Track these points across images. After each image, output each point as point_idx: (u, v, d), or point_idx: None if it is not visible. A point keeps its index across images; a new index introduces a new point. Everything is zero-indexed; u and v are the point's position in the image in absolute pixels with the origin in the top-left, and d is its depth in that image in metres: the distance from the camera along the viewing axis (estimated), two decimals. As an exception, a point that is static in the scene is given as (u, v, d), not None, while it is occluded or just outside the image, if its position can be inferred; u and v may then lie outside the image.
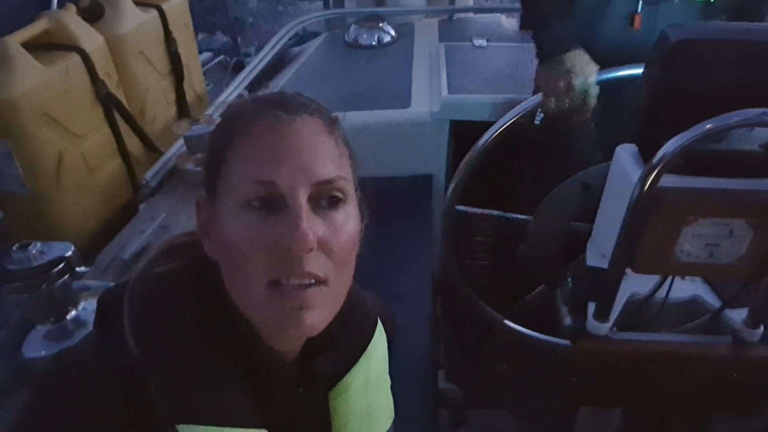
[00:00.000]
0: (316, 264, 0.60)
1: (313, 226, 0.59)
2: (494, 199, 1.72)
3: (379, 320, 0.85)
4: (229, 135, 0.63)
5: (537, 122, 1.76)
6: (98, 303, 0.72)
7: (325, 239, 0.61)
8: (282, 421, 0.71)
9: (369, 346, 0.81)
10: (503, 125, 1.43)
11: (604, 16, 1.45)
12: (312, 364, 0.74)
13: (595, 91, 1.37)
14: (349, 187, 0.65)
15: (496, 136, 1.43)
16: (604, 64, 1.40)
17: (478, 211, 1.48)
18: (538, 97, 1.46)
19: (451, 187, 1.48)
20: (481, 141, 1.43)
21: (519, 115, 1.43)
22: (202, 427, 0.62)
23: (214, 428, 0.63)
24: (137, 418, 0.61)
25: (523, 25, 1.51)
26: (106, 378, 0.62)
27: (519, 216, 1.46)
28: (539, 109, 1.72)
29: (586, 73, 1.36)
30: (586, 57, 1.38)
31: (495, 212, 1.50)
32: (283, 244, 0.58)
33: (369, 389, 0.81)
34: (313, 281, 0.61)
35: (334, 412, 0.79)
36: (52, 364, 0.71)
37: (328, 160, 0.62)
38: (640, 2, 1.43)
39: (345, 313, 0.69)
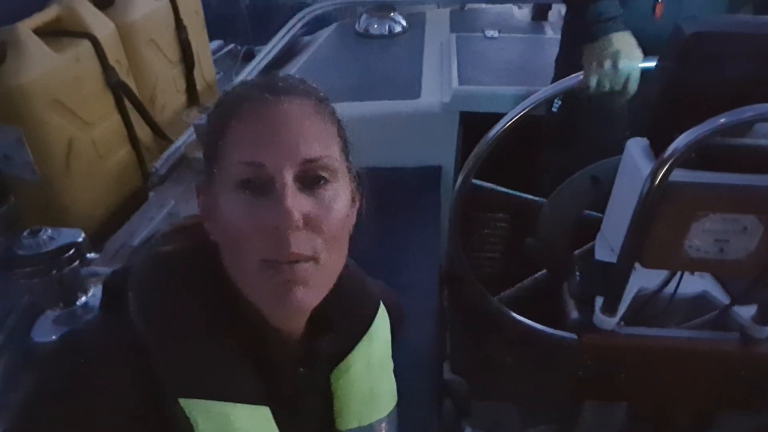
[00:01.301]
0: (303, 243, 0.62)
1: (298, 204, 0.61)
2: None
3: (382, 304, 0.85)
4: (222, 119, 0.65)
5: (554, 110, 1.75)
6: (104, 284, 0.74)
7: (313, 216, 0.62)
8: (284, 399, 0.72)
9: (371, 328, 0.82)
10: (514, 117, 1.42)
11: (629, 4, 1.43)
12: (314, 345, 0.75)
13: (637, 76, 1.35)
14: (338, 165, 0.66)
15: (506, 127, 1.42)
16: None
17: (495, 187, 1.47)
18: (551, 88, 1.44)
19: (460, 178, 1.47)
20: (491, 133, 1.43)
21: (530, 107, 1.42)
22: (205, 401, 0.64)
23: (217, 402, 0.64)
24: (143, 394, 0.62)
25: (570, 3, 1.47)
26: (113, 357, 0.64)
27: (534, 198, 1.45)
28: (557, 97, 1.71)
29: (633, 57, 1.35)
30: (634, 41, 1.36)
31: (510, 191, 1.48)
32: (270, 223, 0.60)
33: (371, 371, 0.82)
34: (302, 260, 0.62)
35: (337, 393, 0.80)
36: (59, 343, 0.72)
37: (314, 140, 0.64)
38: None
39: (346, 295, 0.71)
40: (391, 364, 0.87)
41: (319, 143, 0.64)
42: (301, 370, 0.75)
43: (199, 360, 0.64)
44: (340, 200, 0.65)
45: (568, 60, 1.67)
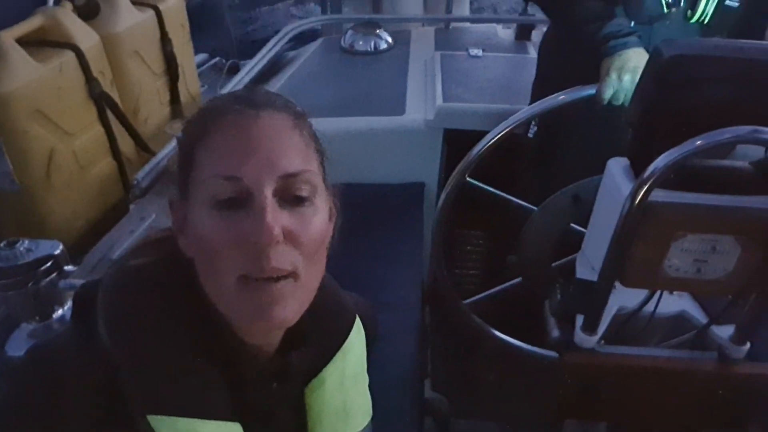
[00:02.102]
0: (283, 258, 0.61)
1: (279, 218, 0.60)
2: (485, 207, 1.72)
3: (357, 319, 0.85)
4: (198, 132, 0.64)
5: (530, 135, 1.77)
6: (74, 297, 0.73)
7: (293, 231, 0.62)
8: (256, 415, 0.72)
9: (345, 343, 0.82)
10: (496, 135, 1.43)
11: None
12: (287, 359, 0.74)
13: None
14: (317, 180, 0.66)
15: (489, 145, 1.43)
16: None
17: (486, 187, 1.47)
18: (533, 107, 1.46)
19: (443, 195, 1.48)
20: (474, 150, 1.43)
21: (512, 126, 1.43)
22: (172, 418, 0.63)
23: (185, 420, 0.63)
24: (111, 410, 0.61)
25: (577, 24, 1.48)
26: (80, 370, 0.63)
27: (526, 204, 1.46)
28: (533, 122, 1.73)
29: None
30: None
31: (501, 193, 1.48)
32: (250, 238, 0.59)
33: (345, 386, 0.81)
34: (281, 275, 0.61)
35: (310, 408, 0.79)
36: (27, 357, 0.70)
37: (294, 154, 0.63)
38: (632, 23, 1.44)
39: (321, 310, 0.70)
40: (366, 379, 0.86)
41: (300, 158, 0.63)
42: (274, 385, 0.74)
43: (165, 376, 0.63)
44: (319, 215, 0.65)
45: (546, 83, 1.69)
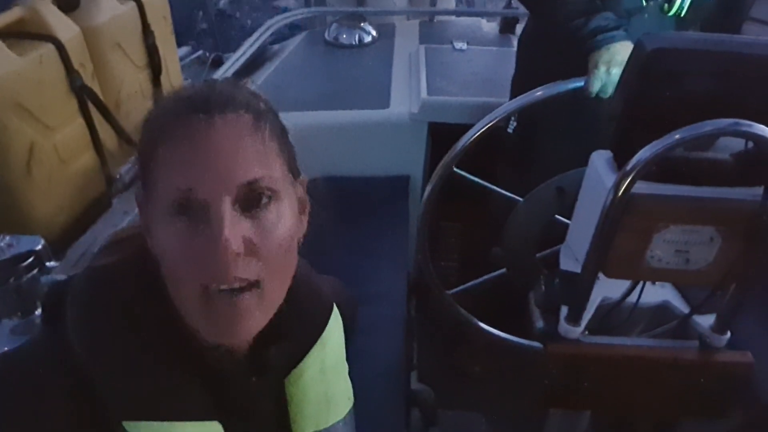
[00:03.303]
0: (244, 268, 0.59)
1: (238, 230, 0.58)
2: (470, 200, 1.73)
3: (335, 306, 0.84)
4: (151, 138, 0.62)
5: (510, 130, 1.78)
6: (46, 296, 0.72)
7: (254, 241, 0.60)
8: (236, 411, 0.71)
9: (324, 333, 0.81)
10: (481, 129, 1.43)
11: None
12: (263, 354, 0.73)
13: None
14: (279, 184, 0.63)
15: (475, 138, 1.44)
16: (583, 73, 1.42)
17: (474, 179, 1.47)
18: (520, 100, 1.46)
19: (428, 188, 1.48)
20: (459, 144, 1.44)
21: (497, 119, 1.44)
22: (149, 423, 0.62)
23: (162, 423, 0.62)
24: (86, 417, 0.60)
25: (562, 20, 1.48)
26: (52, 377, 0.61)
27: (511, 195, 1.46)
28: (512, 117, 1.74)
29: None
30: None
31: (489, 185, 1.49)
32: (207, 252, 0.57)
33: (326, 375, 0.81)
34: (244, 284, 0.60)
35: (291, 399, 0.79)
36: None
37: (252, 161, 0.60)
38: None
39: (298, 301, 0.69)
40: (346, 367, 0.86)
41: (258, 163, 0.61)
42: (253, 380, 0.73)
43: (138, 380, 0.62)
44: (284, 221, 0.63)
45: (526, 78, 1.70)
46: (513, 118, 1.77)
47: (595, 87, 1.40)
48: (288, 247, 0.64)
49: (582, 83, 1.41)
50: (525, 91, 1.46)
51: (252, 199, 0.60)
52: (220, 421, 0.68)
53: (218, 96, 0.62)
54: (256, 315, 0.62)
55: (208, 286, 0.59)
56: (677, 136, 0.99)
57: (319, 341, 0.80)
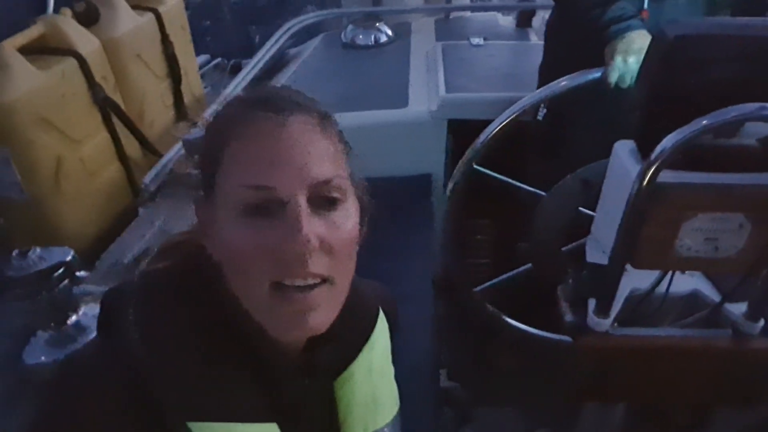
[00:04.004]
0: (318, 263, 0.60)
1: (313, 227, 0.59)
2: (494, 195, 1.72)
3: (381, 310, 0.85)
4: (222, 138, 0.62)
5: (540, 117, 1.77)
6: (101, 304, 0.72)
7: (326, 238, 0.61)
8: (289, 412, 0.71)
9: (371, 335, 0.82)
10: (501, 123, 1.43)
11: None
12: (316, 355, 0.74)
13: None
14: (346, 183, 0.64)
15: (494, 134, 1.43)
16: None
17: (494, 174, 1.47)
18: (538, 93, 1.45)
19: (450, 185, 1.48)
20: (480, 139, 1.43)
21: (517, 113, 1.43)
22: (213, 424, 0.63)
23: (225, 425, 0.63)
24: (148, 419, 0.61)
25: (581, 10, 1.48)
26: (115, 380, 0.62)
27: (532, 189, 1.45)
28: (542, 105, 1.73)
29: None
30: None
31: (509, 180, 1.48)
32: (285, 248, 0.58)
33: (373, 377, 0.81)
34: (317, 281, 0.61)
35: (339, 401, 0.79)
36: (57, 371, 0.70)
37: (324, 160, 0.62)
38: (645, 2, 1.44)
39: (347, 305, 0.69)
40: (392, 369, 0.86)
41: (330, 163, 0.62)
42: (306, 381, 0.74)
43: (202, 382, 0.63)
44: (351, 219, 0.64)
45: (553, 66, 1.69)
46: (543, 106, 1.75)
47: (613, 77, 1.38)
48: (353, 244, 0.66)
49: (600, 74, 1.40)
50: (553, 80, 1.45)
51: (323, 198, 0.62)
52: (277, 423, 0.68)
53: (285, 97, 0.64)
54: (327, 309, 0.63)
55: (282, 281, 0.60)
56: (703, 123, 0.98)
57: (367, 344, 0.81)
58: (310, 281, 0.61)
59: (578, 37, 1.52)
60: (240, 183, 0.60)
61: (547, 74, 1.70)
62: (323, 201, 0.62)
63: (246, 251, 0.60)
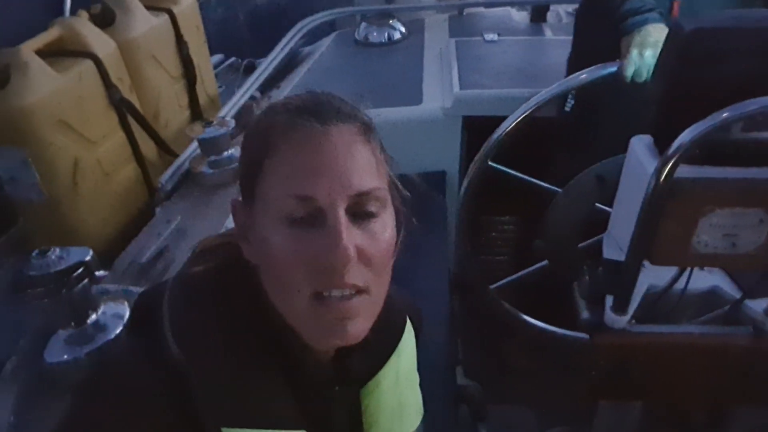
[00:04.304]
0: (356, 275, 0.61)
1: (352, 238, 0.59)
2: (510, 192, 1.71)
3: (407, 318, 0.85)
4: (265, 145, 0.62)
5: (567, 109, 1.75)
6: (135, 305, 0.73)
7: (364, 250, 0.61)
8: (319, 419, 0.72)
9: (400, 343, 0.82)
10: (517, 119, 1.42)
11: None
12: (347, 363, 0.74)
13: None
14: (386, 195, 0.65)
15: (510, 129, 1.42)
16: None
17: (509, 171, 1.46)
18: (554, 88, 1.44)
19: (465, 182, 1.47)
20: (494, 136, 1.43)
21: (533, 108, 1.42)
22: (244, 431, 0.63)
23: (258, 431, 0.64)
24: (183, 421, 0.61)
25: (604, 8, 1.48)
26: (150, 382, 0.62)
27: (547, 185, 1.44)
28: (570, 95, 1.71)
29: None
30: None
31: (524, 176, 1.47)
32: (324, 259, 0.59)
33: (399, 385, 0.82)
34: (354, 291, 0.61)
35: (366, 409, 0.79)
36: (90, 370, 0.71)
37: (365, 171, 0.62)
38: None
39: (378, 314, 0.70)
40: (417, 378, 0.87)
41: (370, 174, 0.62)
42: (336, 388, 0.75)
43: (237, 387, 0.63)
44: (388, 230, 0.64)
45: (582, 57, 1.67)
46: (570, 97, 1.73)
47: (629, 71, 1.36)
48: (390, 256, 0.66)
49: (616, 68, 1.38)
50: (580, 68, 1.43)
51: (362, 209, 0.62)
52: (305, 430, 0.68)
53: (329, 106, 0.64)
54: (365, 319, 0.64)
55: (320, 292, 0.61)
56: (723, 116, 0.96)
57: (395, 352, 0.81)
58: (347, 292, 0.61)
59: (606, 27, 1.50)
60: (281, 192, 0.60)
61: (575, 65, 1.68)
62: (362, 212, 0.62)
63: (286, 260, 0.60)
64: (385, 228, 0.64)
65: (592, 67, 1.40)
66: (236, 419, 0.63)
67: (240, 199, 0.67)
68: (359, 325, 0.63)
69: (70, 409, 0.64)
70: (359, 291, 0.62)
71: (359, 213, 0.62)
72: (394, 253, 0.67)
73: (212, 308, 0.66)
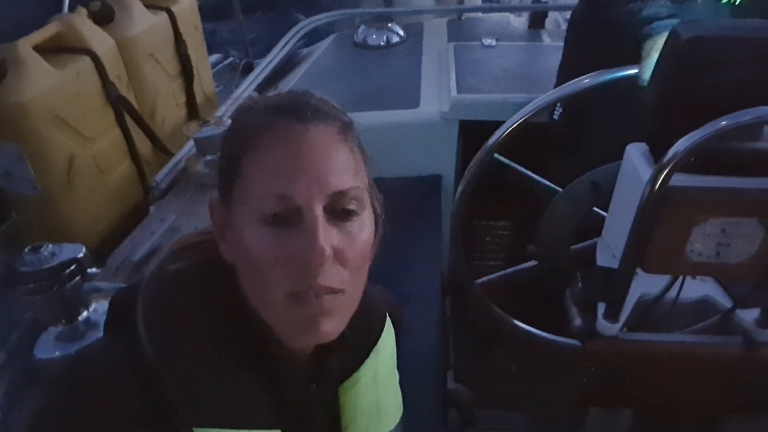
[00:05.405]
0: (331, 276, 0.60)
1: (328, 238, 0.59)
2: (504, 197, 1.71)
3: (388, 316, 0.85)
4: (243, 144, 0.62)
5: (555, 117, 1.75)
6: (111, 303, 0.73)
7: (340, 250, 0.61)
8: (295, 418, 0.72)
9: (378, 342, 0.82)
10: (513, 125, 1.42)
11: None
12: (324, 361, 0.74)
13: None
14: (364, 195, 0.64)
15: (505, 135, 1.42)
16: (634, 61, 1.39)
17: (515, 166, 1.45)
18: (555, 92, 1.44)
19: (461, 187, 1.47)
20: (491, 141, 1.43)
21: (531, 113, 1.42)
22: (219, 431, 0.62)
23: (232, 431, 0.63)
24: (155, 420, 0.61)
25: (617, 4, 1.46)
26: (122, 380, 0.62)
27: (549, 184, 1.44)
28: (558, 104, 1.71)
29: None
30: None
31: (528, 172, 1.46)
32: (301, 258, 0.59)
33: (378, 384, 0.81)
34: (330, 292, 0.61)
35: (344, 407, 0.79)
36: (66, 366, 0.70)
37: (343, 170, 0.62)
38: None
39: (356, 311, 0.69)
40: (397, 376, 0.86)
41: (349, 173, 0.62)
42: (313, 387, 0.74)
43: (211, 386, 0.63)
44: (366, 230, 0.64)
45: (575, 65, 1.67)
46: (558, 105, 1.74)
47: (648, 75, 1.36)
48: (367, 256, 0.65)
49: (634, 71, 1.37)
50: (573, 76, 1.43)
51: (339, 208, 0.62)
52: (281, 429, 0.68)
53: (308, 105, 0.63)
54: (338, 318, 0.64)
55: (295, 291, 0.60)
56: (719, 125, 0.97)
57: (374, 350, 0.81)
58: (323, 293, 0.61)
59: (602, 34, 1.50)
60: (259, 191, 0.60)
61: (566, 74, 1.69)
62: (339, 211, 0.62)
63: (263, 259, 0.60)
64: (362, 228, 0.63)
65: (605, 70, 1.39)
66: (209, 419, 0.62)
67: (218, 197, 0.67)
68: (333, 324, 0.63)
69: (43, 404, 0.64)
70: (334, 291, 0.61)
71: (336, 212, 0.61)
72: (371, 254, 0.67)
73: (187, 306, 0.65)
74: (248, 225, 0.61)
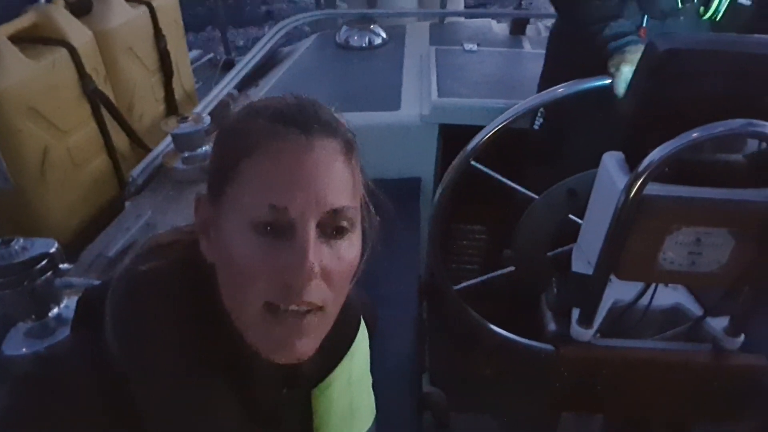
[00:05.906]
0: (315, 293, 0.60)
1: (318, 256, 0.59)
2: (482, 202, 1.72)
3: (362, 319, 0.85)
4: (244, 147, 0.61)
5: (536, 127, 1.77)
6: (79, 301, 0.71)
7: (328, 268, 0.60)
8: (266, 421, 0.71)
9: (352, 345, 0.81)
10: (491, 131, 1.43)
11: None
12: (296, 366, 0.72)
13: None
14: (356, 215, 0.64)
15: (485, 140, 1.43)
16: (604, 71, 1.41)
17: (491, 172, 1.46)
18: (534, 99, 1.45)
19: (439, 190, 1.48)
20: (470, 145, 1.43)
21: (510, 119, 1.43)
22: None
23: None
24: (121, 422, 0.60)
25: (582, 22, 1.48)
26: (87, 380, 0.61)
27: (525, 191, 1.45)
28: (539, 114, 1.72)
29: None
30: None
31: (504, 179, 1.47)
32: (287, 273, 0.58)
33: (351, 387, 0.81)
34: (311, 308, 0.60)
35: (316, 410, 0.79)
36: (30, 365, 0.69)
37: (342, 189, 0.61)
38: (645, 17, 1.44)
39: None
40: (370, 379, 0.86)
41: (347, 192, 0.62)
42: (284, 391, 0.74)
43: (179, 390, 0.62)
44: (354, 250, 0.64)
45: (554, 74, 1.69)
46: (539, 115, 1.75)
47: (622, 88, 1.38)
48: (351, 276, 0.65)
49: (605, 81, 1.39)
50: (551, 86, 1.44)
51: (332, 226, 0.61)
52: (250, 431, 0.68)
53: (313, 115, 0.62)
54: (314, 338, 0.63)
55: (273, 303, 0.60)
56: (691, 137, 0.98)
57: (348, 354, 0.81)
58: (303, 309, 0.60)
59: (580, 47, 1.52)
60: (255, 198, 0.59)
61: (547, 83, 1.70)
62: (332, 228, 0.61)
63: (248, 267, 0.59)
64: (351, 247, 0.63)
65: (579, 80, 1.41)
66: (174, 424, 0.61)
67: (206, 193, 0.65)
68: (308, 344, 0.62)
69: (5, 404, 0.63)
70: (315, 308, 0.61)
71: (328, 229, 0.61)
72: (356, 274, 0.67)
73: (156, 307, 0.64)
74: (237, 229, 0.60)
